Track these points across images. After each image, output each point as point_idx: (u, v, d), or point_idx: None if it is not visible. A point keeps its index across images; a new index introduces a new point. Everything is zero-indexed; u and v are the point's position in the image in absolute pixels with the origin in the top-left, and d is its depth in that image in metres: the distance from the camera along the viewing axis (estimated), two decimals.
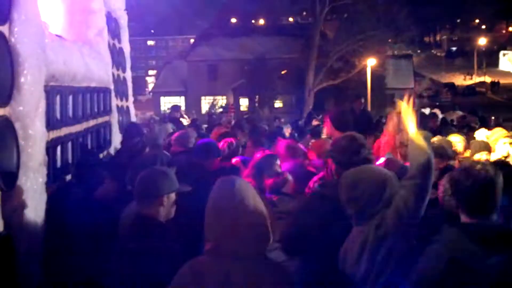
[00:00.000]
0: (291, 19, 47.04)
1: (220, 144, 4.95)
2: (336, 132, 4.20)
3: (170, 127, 8.46)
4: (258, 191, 2.28)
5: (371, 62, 30.05)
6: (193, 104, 36.26)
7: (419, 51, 51.58)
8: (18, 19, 3.21)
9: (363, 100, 9.88)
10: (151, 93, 41.47)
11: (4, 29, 3.08)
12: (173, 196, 2.93)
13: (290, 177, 3.68)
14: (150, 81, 48.19)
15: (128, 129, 5.89)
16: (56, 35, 4.75)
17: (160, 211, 2.86)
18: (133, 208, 3.03)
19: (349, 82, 31.84)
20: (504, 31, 78.55)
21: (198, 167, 4.12)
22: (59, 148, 4.44)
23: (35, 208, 3.36)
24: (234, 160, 4.55)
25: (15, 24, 3.18)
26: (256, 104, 34.89)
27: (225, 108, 23.78)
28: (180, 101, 38.48)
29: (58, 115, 4.43)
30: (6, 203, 3.07)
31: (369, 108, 22.45)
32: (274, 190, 3.60)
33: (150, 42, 54.32)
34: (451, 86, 56.42)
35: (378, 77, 32.73)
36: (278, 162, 3.94)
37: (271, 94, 35.46)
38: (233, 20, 46.35)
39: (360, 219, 2.55)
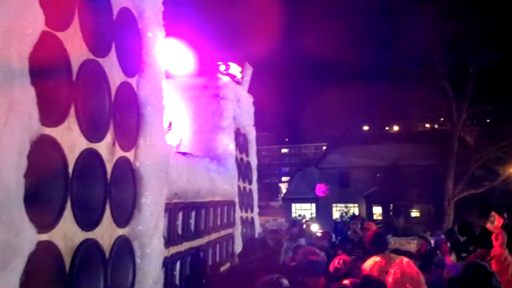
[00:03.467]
0: (427, 125, 45.90)
1: (336, 262, 4.68)
2: None
3: (303, 241, 8.23)
4: None
5: None
6: (323, 212, 35.95)
7: None
8: (144, 144, 3.49)
9: (506, 216, 8.92)
10: (283, 199, 42.20)
11: (130, 155, 3.35)
12: None
13: None
14: (284, 187, 49.17)
15: (245, 245, 5.88)
16: (183, 154, 5.08)
17: None
18: None
19: (494, 191, 29.38)
20: None
21: (301, 285, 3.90)
22: (178, 263, 4.55)
23: None
24: (345, 281, 4.23)
25: (141, 149, 3.45)
26: (391, 213, 33.49)
27: (353, 218, 23.05)
28: (311, 208, 38.45)
29: (179, 230, 4.59)
30: None
31: None
32: None
33: (284, 150, 56.32)
34: None
35: None
36: None
37: (406, 202, 33.90)
38: (365, 127, 46.57)
39: None
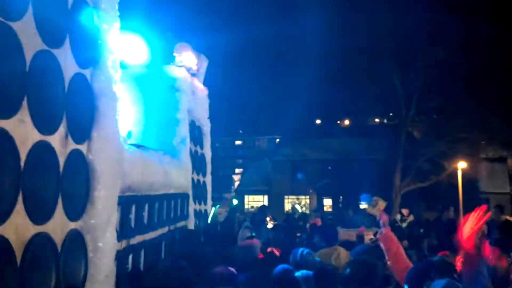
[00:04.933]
0: (377, 120, 47.10)
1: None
2: None
3: (247, 232, 8.39)
4: None
5: (462, 165, 28.80)
6: (275, 203, 36.35)
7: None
8: (97, 137, 3.45)
9: (452, 209, 9.32)
10: (235, 191, 42.36)
11: (83, 147, 3.31)
12: None
13: None
14: (237, 179, 49.31)
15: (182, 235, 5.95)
16: (137, 146, 5.04)
17: None
18: None
19: (439, 185, 30.52)
20: None
21: None
22: (130, 257, 4.52)
23: None
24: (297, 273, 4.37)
25: (94, 142, 3.41)
26: (340, 205, 34.25)
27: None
28: (263, 199, 38.78)
29: (132, 224, 4.57)
30: None
31: (461, 214, 21.13)
32: None
33: (238, 142, 56.40)
34: None
35: (470, 180, 31.14)
36: None
37: (356, 195, 34.73)
38: (318, 121, 47.25)
39: None
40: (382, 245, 4.50)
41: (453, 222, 9.73)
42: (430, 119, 34.77)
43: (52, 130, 2.90)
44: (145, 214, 4.90)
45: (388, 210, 22.41)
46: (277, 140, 48.77)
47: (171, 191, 5.87)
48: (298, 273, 4.23)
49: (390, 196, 30.54)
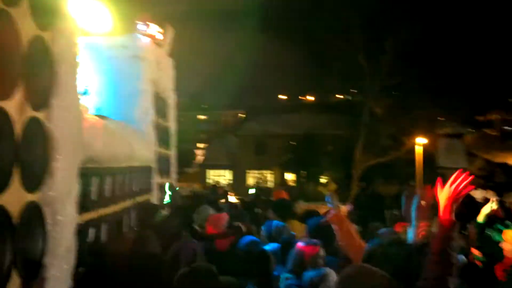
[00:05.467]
0: (340, 96, 47.49)
1: None
2: None
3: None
4: None
5: (421, 141, 29.54)
6: (239, 178, 36.41)
7: (471, 130, 50.57)
8: (57, 105, 3.25)
9: (413, 183, 9.49)
10: (199, 166, 42.10)
11: (41, 115, 3.11)
12: None
13: None
14: (200, 154, 49.01)
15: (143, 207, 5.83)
16: (99, 117, 4.84)
17: None
18: None
19: (398, 160, 31.24)
20: None
21: None
22: (92, 230, 4.37)
23: None
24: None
25: (53, 109, 3.21)
26: (302, 180, 34.62)
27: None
28: (226, 174, 38.76)
29: (94, 196, 4.40)
30: None
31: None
32: None
33: (201, 117, 55.91)
34: (505, 166, 54.17)
35: (429, 155, 31.99)
36: None
37: (318, 170, 35.17)
38: (283, 96, 47.28)
39: None
40: (332, 225, 4.50)
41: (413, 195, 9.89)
42: (392, 96, 35.31)
43: (7, 95, 2.69)
44: (107, 187, 4.73)
45: (348, 184, 22.90)
46: (242, 115, 48.64)
47: (134, 163, 5.71)
48: (266, 246, 4.20)
49: (350, 171, 31.09)
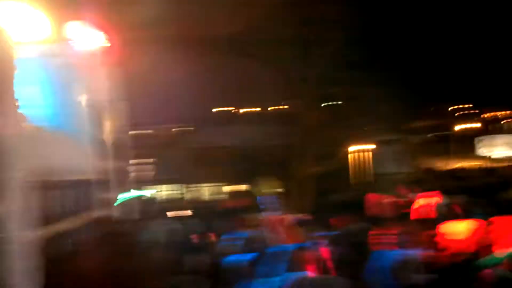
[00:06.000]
0: (274, 107, 48.01)
1: None
2: None
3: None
4: None
5: (352, 149, 30.66)
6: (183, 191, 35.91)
7: (398, 137, 52.87)
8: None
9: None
10: (138, 182, 40.92)
11: None
12: None
13: None
14: (137, 169, 47.66)
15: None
16: (36, 127, 4.51)
17: None
18: None
19: (333, 169, 31.97)
20: (479, 118, 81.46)
21: None
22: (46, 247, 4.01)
23: None
24: None
25: None
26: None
27: None
28: (170, 188, 38.01)
29: (52, 212, 4.06)
30: None
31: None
32: None
33: (137, 132, 54.66)
34: (431, 171, 56.98)
35: (363, 163, 33.02)
36: None
37: (257, 181, 35.23)
38: (217, 108, 47.21)
39: None
40: (268, 229, 4.58)
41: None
42: (326, 106, 36.16)
43: None
44: (64, 201, 4.39)
45: (287, 194, 22.79)
46: (187, 128, 48.00)
47: (77, 177, 5.38)
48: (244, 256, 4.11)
49: (290, 181, 31.39)
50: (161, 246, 4.96)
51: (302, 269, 4.10)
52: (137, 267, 3.59)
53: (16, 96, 3.46)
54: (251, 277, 4.08)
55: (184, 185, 37.71)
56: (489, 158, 62.94)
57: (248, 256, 4.18)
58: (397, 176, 38.39)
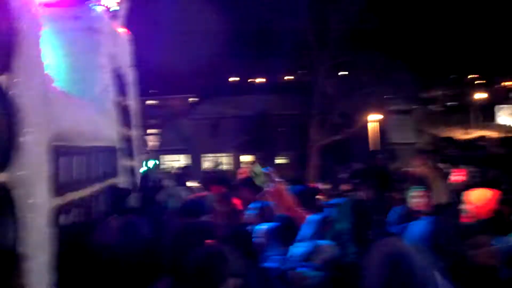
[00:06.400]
0: (291, 77, 47.51)
1: None
2: None
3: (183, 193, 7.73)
4: None
5: (374, 117, 30.08)
6: (193, 162, 35.76)
7: (416, 106, 52.09)
8: (20, 68, 2.73)
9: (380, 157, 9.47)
10: (150, 152, 41.02)
11: (3, 79, 2.59)
12: None
13: None
14: (151, 139, 47.95)
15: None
16: (60, 90, 4.28)
17: None
18: None
19: (351, 138, 31.66)
20: (498, 86, 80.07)
21: None
22: (64, 216, 3.85)
23: None
24: None
25: (16, 73, 2.70)
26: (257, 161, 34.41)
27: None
28: (180, 159, 37.97)
29: (63, 179, 3.87)
30: None
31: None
32: None
33: (150, 102, 54.62)
34: (450, 140, 56.29)
35: (380, 132, 32.64)
36: None
37: (273, 151, 35.09)
38: (234, 78, 46.80)
39: None
40: (271, 199, 4.60)
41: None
42: (343, 74, 35.67)
43: None
44: (76, 168, 4.21)
45: (304, 164, 22.84)
46: (193, 99, 47.75)
47: (101, 143, 5.19)
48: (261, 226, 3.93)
49: (305, 150, 31.17)
50: (187, 214, 4.77)
51: (322, 238, 4.04)
52: (161, 236, 3.40)
53: (41, 57, 3.23)
54: (275, 246, 3.93)
55: (196, 155, 37.73)
56: (509, 127, 62.19)
57: (270, 225, 4.05)
58: (416, 146, 38.04)
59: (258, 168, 7.72)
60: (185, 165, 12.19)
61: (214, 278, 2.43)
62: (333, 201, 5.71)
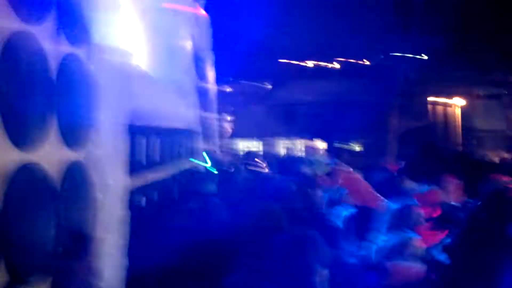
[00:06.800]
0: (368, 62, 46.05)
1: None
2: None
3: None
4: None
5: (458, 102, 28.56)
6: (267, 148, 35.79)
7: (506, 92, 48.95)
8: (98, 42, 2.58)
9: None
10: (230, 137, 41.54)
11: (81, 52, 2.44)
12: None
13: None
14: (227, 126, 48.48)
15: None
16: (139, 69, 4.17)
17: None
18: None
19: (436, 124, 30.35)
20: None
21: None
22: (143, 198, 3.74)
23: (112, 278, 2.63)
24: None
25: (94, 47, 2.55)
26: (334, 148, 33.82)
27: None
28: (258, 145, 38.09)
29: (143, 160, 3.76)
30: (78, 273, 2.36)
31: None
32: None
33: (225, 88, 55.30)
34: None
35: (466, 118, 31.02)
36: None
37: (350, 137, 34.32)
38: (309, 63, 46.18)
39: None
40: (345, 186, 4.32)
41: None
42: (424, 57, 34.14)
43: (38, 20, 2.02)
44: (155, 149, 4.08)
45: (383, 150, 22.09)
46: (268, 85, 47.71)
47: (180, 125, 5.07)
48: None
49: (386, 137, 30.20)
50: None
51: (406, 229, 3.67)
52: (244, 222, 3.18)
53: (122, 34, 3.10)
54: (352, 234, 3.69)
55: (269, 139, 37.56)
56: None
57: (349, 211, 3.82)
58: (503, 134, 35.70)
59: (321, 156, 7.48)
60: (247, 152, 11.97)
61: (303, 268, 2.15)
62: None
